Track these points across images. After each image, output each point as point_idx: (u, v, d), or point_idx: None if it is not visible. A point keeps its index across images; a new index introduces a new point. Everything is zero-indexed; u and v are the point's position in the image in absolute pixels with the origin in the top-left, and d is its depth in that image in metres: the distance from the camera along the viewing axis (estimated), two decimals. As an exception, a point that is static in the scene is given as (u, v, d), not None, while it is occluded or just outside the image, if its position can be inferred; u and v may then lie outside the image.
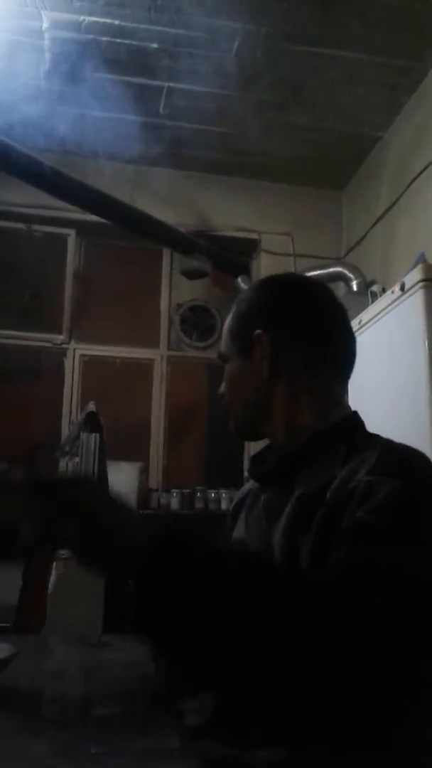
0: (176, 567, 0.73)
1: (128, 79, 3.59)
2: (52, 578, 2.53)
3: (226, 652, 0.70)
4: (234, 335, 1.17)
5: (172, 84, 3.63)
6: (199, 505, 4.16)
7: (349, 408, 1.14)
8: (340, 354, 1.15)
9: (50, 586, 2.52)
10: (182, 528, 0.80)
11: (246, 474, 4.43)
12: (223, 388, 1.21)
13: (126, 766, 0.64)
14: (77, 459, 2.85)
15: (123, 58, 3.43)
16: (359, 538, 0.81)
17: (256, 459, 1.20)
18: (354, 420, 1.12)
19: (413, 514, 0.84)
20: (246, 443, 4.52)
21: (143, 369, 4.58)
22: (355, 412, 1.13)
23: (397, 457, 0.94)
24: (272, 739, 0.89)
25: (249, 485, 1.26)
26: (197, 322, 4.70)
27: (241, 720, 0.94)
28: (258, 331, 1.11)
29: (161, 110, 3.83)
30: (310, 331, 1.12)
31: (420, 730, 0.85)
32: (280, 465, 1.10)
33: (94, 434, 2.84)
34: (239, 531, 1.18)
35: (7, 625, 2.92)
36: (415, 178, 3.57)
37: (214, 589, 0.72)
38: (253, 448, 4.44)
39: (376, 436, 1.06)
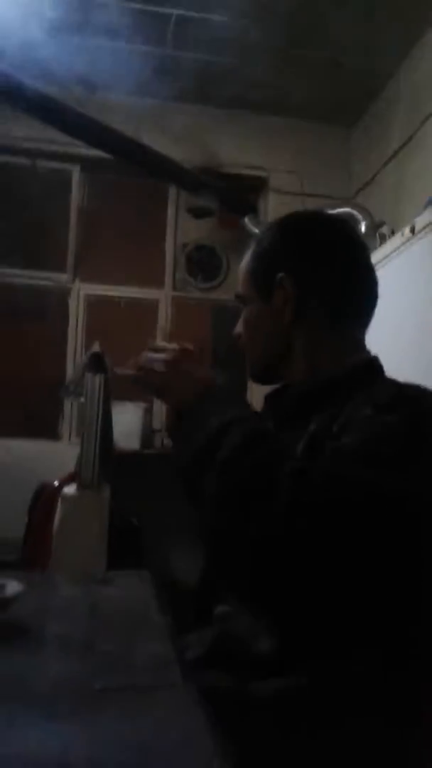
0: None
1: (134, 5, 3.45)
2: (58, 515, 2.56)
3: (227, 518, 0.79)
4: (254, 276, 1.14)
5: (180, 11, 3.49)
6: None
7: (369, 352, 1.13)
8: (364, 300, 1.13)
9: (56, 522, 2.55)
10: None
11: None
12: (239, 329, 1.19)
13: (130, 700, 0.66)
14: (82, 399, 2.85)
15: (129, -15, 3.29)
16: (336, 455, 0.83)
17: (270, 398, 1.19)
18: (374, 364, 1.11)
19: (398, 445, 0.82)
20: (248, 384, 4.53)
21: (148, 309, 4.55)
22: (375, 357, 1.12)
23: (407, 395, 0.93)
24: (272, 667, 0.91)
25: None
26: (203, 262, 4.65)
27: (238, 653, 0.98)
28: (281, 275, 1.08)
29: (168, 40, 3.70)
30: (334, 276, 1.10)
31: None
32: (297, 405, 1.09)
33: (98, 375, 2.83)
34: None
35: (13, 559, 2.98)
36: (428, 117, 3.47)
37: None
38: (257, 389, 4.45)
39: (395, 380, 1.05)
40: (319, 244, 1.12)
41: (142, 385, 1.01)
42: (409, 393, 0.94)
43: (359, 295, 1.12)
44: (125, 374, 1.02)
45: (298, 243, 1.13)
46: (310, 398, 1.07)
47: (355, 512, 0.75)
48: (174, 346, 1.02)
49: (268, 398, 1.20)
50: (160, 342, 1.05)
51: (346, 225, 1.21)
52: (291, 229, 1.16)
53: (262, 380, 1.20)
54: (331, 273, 1.10)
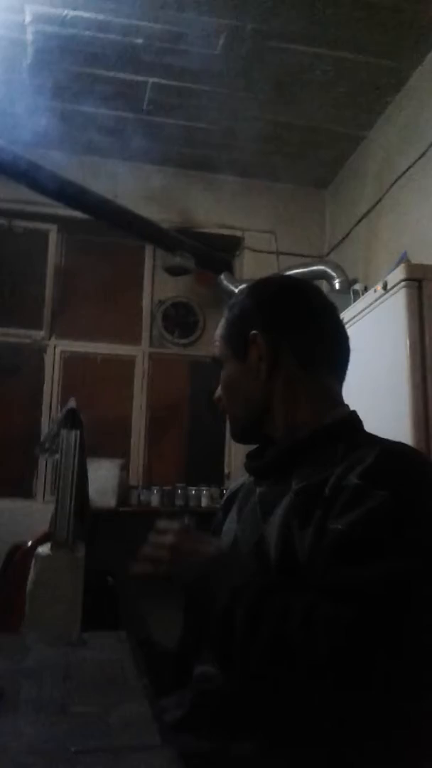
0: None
1: (112, 74, 3.57)
2: (31, 575, 2.50)
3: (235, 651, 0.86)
4: (228, 339, 1.19)
5: (156, 80, 3.61)
6: (179, 502, 4.15)
7: (347, 407, 1.16)
8: (335, 351, 1.18)
9: (29, 583, 2.50)
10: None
11: (227, 471, 4.44)
12: (219, 393, 1.22)
13: (107, 763, 0.63)
14: (57, 456, 2.82)
15: (107, 53, 3.40)
16: (337, 555, 0.86)
17: (253, 453, 1.22)
18: (353, 419, 1.14)
19: (394, 532, 0.86)
20: (225, 441, 4.52)
21: (125, 366, 4.56)
22: (354, 412, 1.16)
23: (393, 462, 0.96)
24: (249, 732, 0.90)
25: (242, 480, 1.28)
26: (179, 319, 4.69)
27: (218, 714, 0.96)
28: (254, 332, 1.13)
29: (145, 106, 3.81)
30: (304, 329, 1.15)
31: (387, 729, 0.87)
32: (279, 459, 1.11)
33: (74, 431, 2.81)
34: (231, 523, 1.20)
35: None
36: (398, 178, 3.59)
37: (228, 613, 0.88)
38: (236, 446, 4.44)
39: (375, 436, 1.09)
40: (287, 302, 1.18)
41: (150, 577, 1.04)
42: (395, 459, 0.97)
43: (330, 346, 1.17)
44: (140, 572, 1.04)
45: (268, 302, 1.18)
46: (289, 454, 1.09)
47: (377, 634, 0.78)
48: (175, 525, 1.06)
49: (250, 456, 1.22)
50: (162, 522, 1.08)
51: (313, 285, 1.28)
52: (260, 291, 1.21)
53: (245, 440, 1.22)
54: (301, 327, 1.15)
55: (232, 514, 1.21)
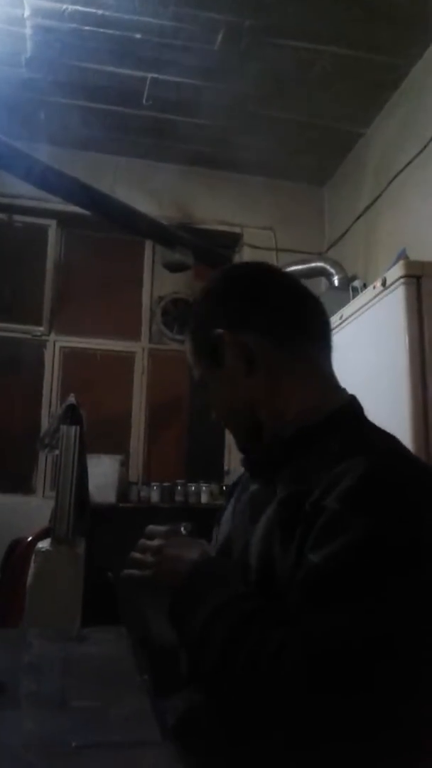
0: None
1: (111, 69, 3.56)
2: (31, 571, 2.51)
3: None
4: (198, 352, 1.11)
5: (155, 75, 3.60)
6: (179, 498, 4.15)
7: (345, 392, 1.09)
8: (308, 322, 1.09)
9: (29, 578, 2.50)
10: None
11: (227, 467, 4.45)
12: (214, 413, 1.15)
13: (106, 757, 0.64)
14: (57, 452, 2.83)
15: (106, 48, 3.39)
16: (310, 593, 0.82)
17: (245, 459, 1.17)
18: (350, 410, 1.06)
19: (372, 573, 0.80)
20: (225, 437, 4.53)
21: (124, 361, 4.56)
22: (353, 399, 1.08)
23: (378, 483, 0.86)
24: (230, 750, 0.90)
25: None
26: (179, 315, 4.69)
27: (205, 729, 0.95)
28: (218, 332, 1.05)
29: (144, 101, 3.81)
30: (268, 311, 1.07)
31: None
32: (266, 458, 1.06)
33: (74, 427, 2.81)
34: (227, 517, 1.17)
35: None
36: (397, 174, 3.58)
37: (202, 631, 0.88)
38: (233, 443, 4.44)
39: (372, 434, 1.01)
40: (240, 290, 1.10)
41: (133, 582, 1.04)
42: (381, 478, 0.87)
43: (302, 319, 1.09)
44: (128, 576, 1.05)
45: (222, 298, 1.11)
46: (275, 454, 1.04)
47: (343, 672, 0.76)
48: (162, 530, 1.06)
49: (243, 461, 1.17)
50: (152, 527, 1.09)
51: (262, 264, 1.22)
52: (210, 291, 1.15)
53: (249, 450, 1.14)
54: (264, 310, 1.07)
55: (229, 508, 1.18)
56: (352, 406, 1.07)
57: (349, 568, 0.80)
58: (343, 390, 1.09)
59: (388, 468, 0.89)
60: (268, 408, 1.05)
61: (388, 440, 1.00)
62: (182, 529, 1.10)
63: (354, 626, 0.77)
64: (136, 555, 1.04)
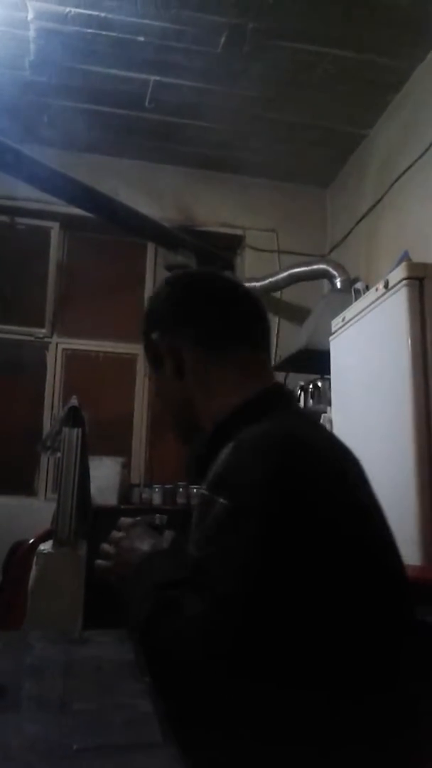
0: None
1: (114, 72, 3.57)
2: (33, 574, 2.51)
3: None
4: (146, 356, 1.22)
5: (158, 78, 3.61)
6: (181, 500, 4.14)
7: (268, 382, 1.12)
8: (238, 325, 1.14)
9: (30, 581, 2.50)
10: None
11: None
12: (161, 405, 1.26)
13: (108, 760, 0.64)
14: (59, 454, 2.83)
15: (108, 51, 3.40)
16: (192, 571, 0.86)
17: None
18: (263, 398, 1.08)
19: (227, 527, 0.85)
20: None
21: (127, 363, 4.56)
22: (273, 387, 1.12)
23: (235, 465, 0.92)
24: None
25: None
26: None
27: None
28: (153, 335, 1.14)
29: (146, 104, 3.81)
30: (200, 315, 1.13)
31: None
32: (195, 463, 1.11)
33: (76, 429, 2.81)
34: None
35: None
36: (399, 177, 3.58)
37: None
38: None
39: (272, 419, 1.00)
40: (174, 296, 1.18)
41: (99, 572, 1.09)
42: (239, 461, 0.92)
43: (227, 325, 1.14)
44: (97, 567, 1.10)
45: (158, 304, 1.19)
46: (198, 457, 1.09)
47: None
48: (129, 522, 1.11)
49: None
50: (122, 519, 1.13)
51: (199, 271, 1.31)
52: (151, 300, 1.22)
53: (189, 443, 1.22)
54: (196, 314, 1.13)
55: None
56: (267, 395, 1.08)
57: (210, 533, 0.87)
58: (269, 381, 1.13)
59: (247, 449, 0.93)
60: (199, 409, 1.11)
61: (283, 422, 1.01)
62: (156, 520, 1.13)
63: (214, 556, 0.83)
64: (104, 546, 1.09)
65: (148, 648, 0.83)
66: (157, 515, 1.15)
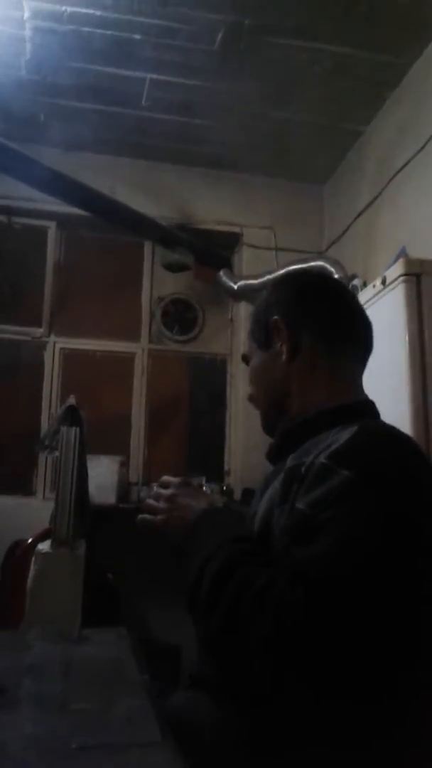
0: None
1: (110, 70, 3.56)
2: (31, 572, 2.51)
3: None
4: (253, 332, 1.24)
5: (154, 75, 3.60)
6: (179, 499, 4.14)
7: (364, 394, 1.20)
8: (355, 332, 1.21)
9: (29, 580, 2.50)
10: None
11: (227, 468, 4.45)
12: (250, 388, 1.27)
13: (107, 759, 0.63)
14: (57, 453, 2.82)
15: (105, 49, 3.39)
16: (295, 535, 0.88)
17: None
18: (363, 406, 1.16)
19: (351, 510, 0.85)
20: (225, 438, 4.52)
21: (124, 362, 4.56)
22: (368, 401, 1.18)
23: (363, 441, 0.95)
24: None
25: None
26: (179, 315, 4.69)
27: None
28: (274, 318, 1.17)
29: (143, 102, 3.80)
30: (322, 310, 1.19)
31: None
32: (280, 441, 1.15)
33: (74, 428, 2.81)
34: (255, 499, 1.23)
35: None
36: (396, 173, 3.58)
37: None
38: (236, 443, 4.45)
39: (375, 421, 1.10)
40: (306, 289, 1.23)
41: (146, 527, 1.08)
42: (367, 438, 0.96)
43: (350, 327, 1.21)
44: (140, 522, 1.10)
45: (286, 290, 1.24)
46: (290, 435, 1.12)
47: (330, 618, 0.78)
48: (177, 480, 1.11)
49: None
50: (165, 477, 1.14)
51: (331, 276, 1.34)
52: (280, 284, 1.28)
53: (272, 429, 1.24)
54: (322, 311, 1.19)
55: (257, 494, 1.24)
56: (362, 405, 1.17)
57: (330, 508, 0.86)
58: (364, 394, 1.21)
59: (376, 431, 1.01)
60: (296, 394, 1.16)
61: (390, 427, 1.06)
62: (195, 482, 1.15)
63: (332, 555, 0.81)
64: (151, 501, 1.10)
65: (227, 618, 0.82)
66: (197, 478, 1.17)
